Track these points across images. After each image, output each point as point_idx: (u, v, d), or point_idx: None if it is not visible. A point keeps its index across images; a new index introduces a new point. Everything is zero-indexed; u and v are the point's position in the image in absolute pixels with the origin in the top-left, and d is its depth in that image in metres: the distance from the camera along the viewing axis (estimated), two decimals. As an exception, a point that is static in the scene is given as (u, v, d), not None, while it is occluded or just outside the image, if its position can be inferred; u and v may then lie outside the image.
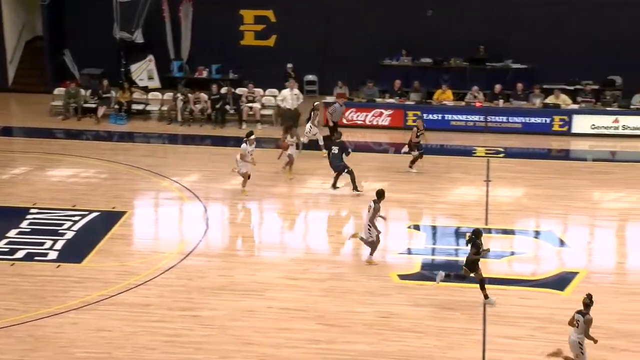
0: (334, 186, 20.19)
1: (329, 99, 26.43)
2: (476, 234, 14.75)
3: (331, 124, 23.57)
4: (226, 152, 23.87)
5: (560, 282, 15.68)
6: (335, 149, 20.11)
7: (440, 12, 27.45)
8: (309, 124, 22.90)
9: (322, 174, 21.46)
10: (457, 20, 27.16)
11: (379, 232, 16.31)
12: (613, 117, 24.43)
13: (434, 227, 18.64)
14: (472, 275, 14.68)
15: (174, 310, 14.46)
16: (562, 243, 17.58)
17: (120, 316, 14.25)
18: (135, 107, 26.94)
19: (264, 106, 26.61)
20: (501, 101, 25.41)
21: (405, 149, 21.45)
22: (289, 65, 27.58)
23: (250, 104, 26.27)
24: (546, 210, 19.18)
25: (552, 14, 26.62)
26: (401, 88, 26.50)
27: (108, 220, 18.42)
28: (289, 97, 24.66)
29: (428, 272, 16.19)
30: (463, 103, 25.76)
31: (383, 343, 13.42)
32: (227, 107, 26.21)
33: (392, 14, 27.64)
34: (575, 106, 25.08)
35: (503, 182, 21.05)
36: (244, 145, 19.67)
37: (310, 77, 29.03)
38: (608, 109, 24.72)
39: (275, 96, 26.43)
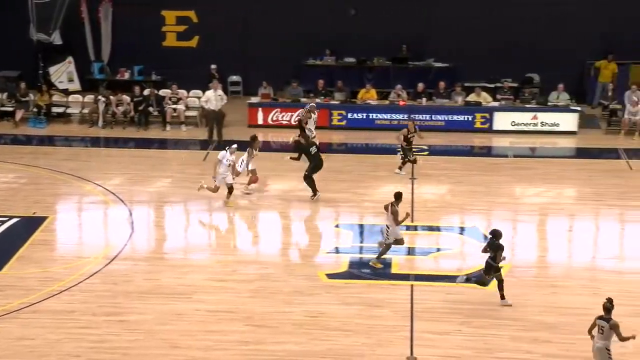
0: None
1: (254, 99, 26.39)
2: (495, 235, 14.52)
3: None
4: (149, 155, 23.61)
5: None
6: (314, 149, 19.89)
7: (363, 12, 27.64)
8: (307, 128, 22.70)
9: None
10: (380, 20, 27.39)
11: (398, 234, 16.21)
12: (532, 114, 24.98)
13: (361, 226, 18.72)
14: (488, 277, 14.63)
15: (99, 316, 14.18)
16: (486, 238, 17.80)
17: (43, 324, 13.89)
18: (55, 110, 26.39)
19: (188, 107, 26.37)
20: (424, 99, 25.73)
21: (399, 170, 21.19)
22: (213, 66, 27.38)
23: (174, 106, 26.00)
24: (470, 207, 19.48)
25: (472, 14, 27.08)
26: (325, 88, 26.60)
27: (29, 226, 17.95)
28: (213, 98, 24.47)
29: (356, 270, 16.26)
30: (387, 102, 25.99)
31: (312, 342, 13.42)
32: (151, 109, 25.87)
33: (316, 14, 27.71)
34: (496, 104, 25.56)
35: (428, 179, 21.29)
36: (222, 152, 18.91)
37: (235, 78, 28.90)
38: (527, 106, 25.27)
39: (199, 97, 26.21)
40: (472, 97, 25.64)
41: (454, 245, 17.55)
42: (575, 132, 24.81)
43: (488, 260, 14.55)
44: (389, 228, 16.12)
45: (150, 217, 19.01)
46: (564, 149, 24.16)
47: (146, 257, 16.77)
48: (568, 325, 13.95)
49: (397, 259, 16.75)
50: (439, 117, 25.30)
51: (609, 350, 11.93)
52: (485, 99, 25.64)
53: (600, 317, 11.96)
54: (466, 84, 26.20)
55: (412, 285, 15.45)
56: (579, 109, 25.14)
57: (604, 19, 26.30)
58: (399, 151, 21.45)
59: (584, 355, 12.97)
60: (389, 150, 23.42)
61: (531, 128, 24.94)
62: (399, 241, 16.34)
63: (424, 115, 25.26)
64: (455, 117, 25.27)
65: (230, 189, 19.12)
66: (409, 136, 21.08)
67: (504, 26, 26.81)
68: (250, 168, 20.08)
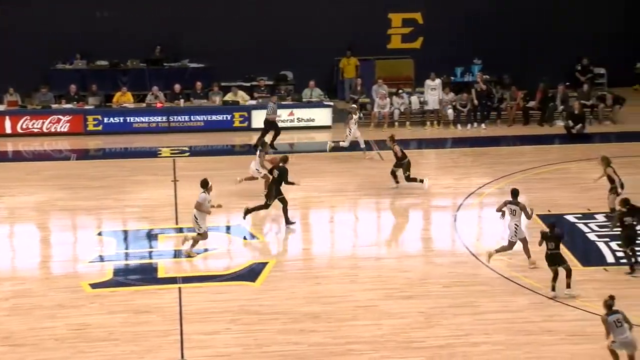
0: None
1: (0, 107, 24.98)
2: (552, 228, 14.99)
3: (271, 119, 23.27)
4: None
5: (251, 273, 16.10)
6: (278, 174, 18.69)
7: (113, 13, 26.93)
8: (348, 128, 22.55)
9: (10, 185, 20.27)
10: (131, 21, 26.83)
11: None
12: (288, 111, 25.59)
13: (124, 232, 18.30)
14: (560, 267, 14.82)
15: None
16: (252, 236, 18.07)
17: None
18: None
19: None
20: (182, 101, 25.58)
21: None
22: (-51, 74, 25.52)
23: None
24: (235, 205, 19.54)
25: (225, 13, 27.25)
26: (78, 92, 25.67)
27: None
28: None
29: (122, 278, 15.86)
30: (144, 104, 25.56)
31: (78, 356, 12.90)
32: None
33: (63, 15, 26.61)
34: (253, 102, 25.93)
35: (190, 180, 21.04)
36: (203, 195, 16.67)
37: (-24, 86, 27.11)
38: (283, 103, 25.85)
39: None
40: (229, 97, 25.85)
41: (221, 244, 17.60)
42: (330, 127, 25.70)
43: (553, 252, 14.84)
44: (517, 227, 15.82)
45: None
46: (321, 143, 24.92)
47: None
48: (331, 313, 14.46)
49: (164, 263, 16.53)
50: (198, 118, 25.26)
51: None
52: (242, 97, 25.94)
53: (609, 314, 12.27)
54: (223, 84, 26.35)
55: (179, 288, 15.31)
56: (331, 104, 26.10)
57: (347, 18, 27.43)
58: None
59: (345, 341, 13.53)
60: (148, 154, 23.07)
61: (288, 124, 25.53)
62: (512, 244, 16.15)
63: (183, 117, 25.14)
64: (214, 117, 25.35)
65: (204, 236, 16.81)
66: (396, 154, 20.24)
67: (255, 25, 27.22)
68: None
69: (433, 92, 25.76)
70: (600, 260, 16.50)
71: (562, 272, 14.89)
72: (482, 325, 14.07)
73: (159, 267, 16.36)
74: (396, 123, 25.52)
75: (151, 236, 17.90)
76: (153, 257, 16.93)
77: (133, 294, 15.10)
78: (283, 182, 18.12)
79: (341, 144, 22.83)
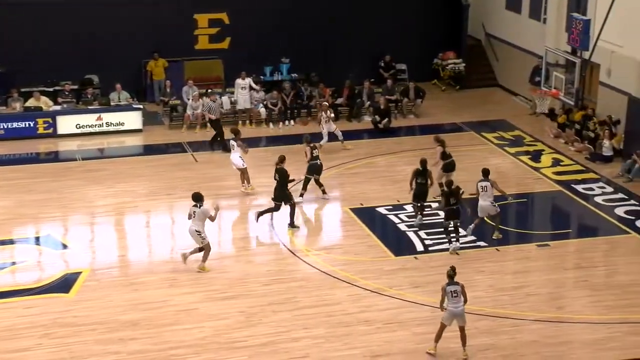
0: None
1: None
2: (448, 185, 17.10)
3: (214, 117, 23.66)
4: None
5: (64, 284, 15.59)
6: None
7: None
8: (321, 126, 23.17)
9: None
10: None
11: None
12: (96, 115, 24.81)
13: None
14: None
15: None
16: (64, 246, 17.44)
17: None
18: None
19: None
20: (-20, 108, 24.20)
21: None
22: None
23: None
24: (43, 215, 18.85)
25: (22, 14, 26.02)
26: None
27: None
28: None
29: None
30: None
31: None
32: None
33: None
34: (58, 107, 24.94)
35: (-7, 191, 20.14)
36: (205, 207, 16.09)
37: None
38: (90, 107, 25.02)
39: None
40: (31, 103, 24.70)
41: (30, 256, 16.87)
42: (140, 130, 25.15)
43: (453, 208, 16.85)
44: (493, 203, 17.28)
45: None
46: (132, 147, 24.38)
47: None
48: (151, 320, 14.23)
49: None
50: (-2, 126, 24.02)
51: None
52: (45, 103, 24.87)
53: (449, 284, 13.03)
54: (23, 89, 25.13)
55: (-16, 305, 14.54)
56: (141, 106, 25.56)
57: (152, 19, 26.94)
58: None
59: (167, 347, 13.35)
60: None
61: (97, 129, 24.76)
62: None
63: (-20, 125, 23.79)
64: (15, 125, 24.13)
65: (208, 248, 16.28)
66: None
67: (57, 27, 26.16)
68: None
69: (243, 91, 25.82)
70: (410, 250, 17.23)
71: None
72: (302, 320, 14.32)
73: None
74: (208, 124, 25.39)
75: (-47, 253, 16.89)
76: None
77: None
78: (287, 183, 18.41)
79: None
